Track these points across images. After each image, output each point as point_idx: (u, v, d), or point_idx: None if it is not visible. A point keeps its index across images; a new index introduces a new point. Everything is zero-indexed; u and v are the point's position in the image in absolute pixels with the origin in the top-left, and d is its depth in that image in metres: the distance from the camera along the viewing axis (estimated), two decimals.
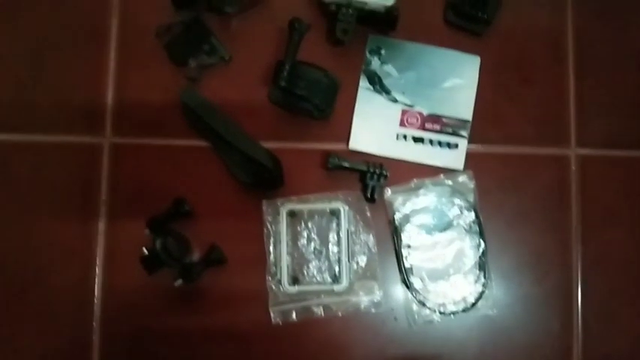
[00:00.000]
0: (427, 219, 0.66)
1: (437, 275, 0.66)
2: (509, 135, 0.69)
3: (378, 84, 0.68)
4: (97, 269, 0.66)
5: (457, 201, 0.67)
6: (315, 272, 0.65)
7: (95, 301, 0.66)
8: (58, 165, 0.67)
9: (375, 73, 0.68)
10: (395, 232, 0.66)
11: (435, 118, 0.68)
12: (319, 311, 0.65)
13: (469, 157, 0.68)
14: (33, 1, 0.68)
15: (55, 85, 0.68)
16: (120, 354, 0.66)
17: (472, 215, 0.67)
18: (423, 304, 0.65)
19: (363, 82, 0.68)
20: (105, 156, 0.67)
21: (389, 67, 0.69)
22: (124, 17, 0.68)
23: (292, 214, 0.66)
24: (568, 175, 0.69)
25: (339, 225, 0.66)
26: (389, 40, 0.69)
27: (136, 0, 0.68)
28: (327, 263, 0.66)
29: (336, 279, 0.65)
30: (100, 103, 0.67)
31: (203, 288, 0.65)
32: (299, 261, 0.66)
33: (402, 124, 0.68)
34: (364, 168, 0.66)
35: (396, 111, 0.68)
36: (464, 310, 0.66)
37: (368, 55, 0.69)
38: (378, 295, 0.65)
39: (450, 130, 0.68)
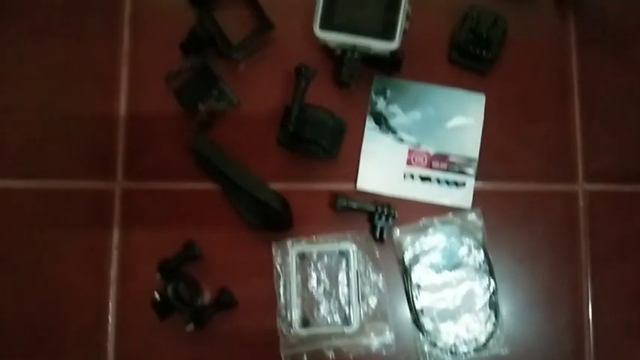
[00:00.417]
0: (437, 258, 0.67)
1: (447, 315, 0.66)
2: (517, 172, 0.69)
3: (384, 124, 0.69)
4: (110, 314, 0.67)
5: (466, 240, 0.67)
6: (325, 314, 0.66)
7: (108, 346, 0.66)
8: (71, 210, 0.68)
9: (381, 114, 0.69)
10: (405, 272, 0.66)
11: (441, 157, 0.68)
12: (330, 354, 0.65)
13: (477, 194, 0.68)
14: (46, 51, 0.70)
15: (67, 132, 0.69)
16: None
17: (481, 254, 0.67)
18: (434, 344, 0.65)
19: (370, 123, 0.69)
20: (117, 200, 0.68)
21: (395, 108, 0.69)
22: (134, 64, 0.70)
23: (302, 256, 0.66)
24: (576, 211, 0.69)
25: (348, 266, 0.66)
26: (394, 81, 0.70)
27: (146, 47, 0.70)
28: (337, 305, 0.66)
29: (346, 321, 0.66)
30: (112, 148, 0.69)
31: (214, 331, 0.66)
32: (309, 303, 0.66)
33: (409, 163, 0.68)
34: (372, 209, 0.66)
35: (402, 150, 0.69)
36: (475, 351, 0.65)
37: (373, 95, 0.70)
38: (389, 337, 0.65)
39: (456, 169, 0.68)
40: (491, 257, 0.67)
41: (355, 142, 0.69)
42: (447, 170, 0.68)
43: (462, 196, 0.68)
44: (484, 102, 0.69)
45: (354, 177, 0.68)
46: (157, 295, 0.64)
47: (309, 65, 0.63)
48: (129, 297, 0.67)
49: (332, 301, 0.66)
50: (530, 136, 0.70)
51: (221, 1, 0.69)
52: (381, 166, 0.68)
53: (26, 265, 0.67)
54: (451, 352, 0.65)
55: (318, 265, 0.67)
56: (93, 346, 0.67)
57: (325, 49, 0.67)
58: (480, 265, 0.67)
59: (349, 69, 0.66)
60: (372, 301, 0.66)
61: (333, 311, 0.66)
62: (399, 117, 0.69)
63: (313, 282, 0.66)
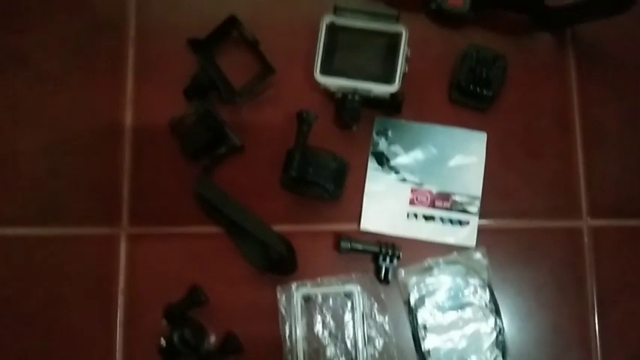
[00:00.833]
0: (442, 299, 0.66)
1: (455, 356, 0.65)
2: (520, 209, 0.69)
3: (386, 164, 0.69)
4: None
5: (471, 279, 0.66)
6: (331, 358, 0.65)
7: None
8: (78, 256, 0.68)
9: (383, 154, 0.70)
10: (410, 313, 0.66)
11: (444, 196, 0.69)
12: None
13: (481, 232, 0.68)
14: (51, 97, 0.71)
15: (73, 179, 0.70)
16: None
17: (487, 293, 0.66)
18: None
19: (372, 163, 0.70)
20: (122, 246, 0.68)
21: (396, 148, 0.70)
22: (139, 109, 0.71)
23: (307, 299, 0.66)
24: (581, 247, 0.69)
25: (353, 308, 0.66)
26: (395, 121, 0.70)
27: (150, 93, 0.71)
28: (343, 348, 0.65)
29: None
30: (117, 195, 0.69)
31: None
32: (315, 346, 0.66)
33: (412, 202, 0.69)
34: (376, 250, 0.66)
35: (405, 190, 0.69)
36: None
37: (375, 136, 0.70)
38: None
39: (460, 207, 0.68)
40: (497, 296, 0.67)
41: (358, 183, 0.69)
42: (451, 209, 0.69)
43: (466, 235, 0.68)
44: (485, 140, 0.70)
45: (357, 217, 0.69)
46: (162, 342, 0.64)
47: (310, 110, 0.64)
48: (135, 342, 0.67)
49: (338, 344, 0.66)
50: (532, 173, 0.70)
51: (223, 46, 0.70)
52: (385, 206, 0.69)
53: (32, 311, 0.68)
54: None
55: (324, 307, 0.66)
56: None
57: (326, 92, 0.68)
58: (486, 305, 0.66)
59: (350, 112, 0.67)
60: (379, 344, 0.65)
61: (340, 354, 0.65)
62: (401, 157, 0.70)
63: (319, 325, 0.66)
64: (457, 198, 0.69)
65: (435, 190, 0.69)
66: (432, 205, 0.69)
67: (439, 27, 0.72)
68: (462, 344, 0.66)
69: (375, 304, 0.66)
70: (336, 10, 0.64)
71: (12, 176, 0.70)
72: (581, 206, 0.70)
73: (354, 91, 0.65)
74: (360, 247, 0.66)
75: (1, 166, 0.70)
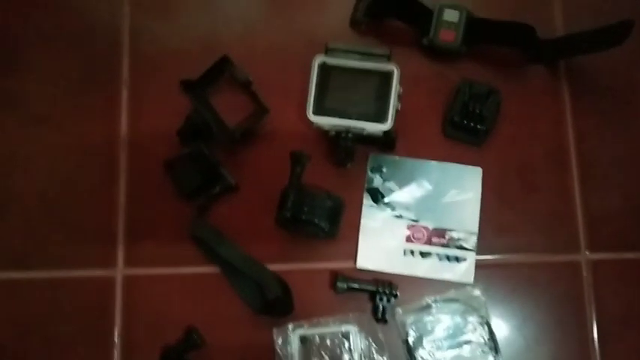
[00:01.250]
0: (441, 337, 0.65)
1: None
2: (518, 244, 0.69)
3: (381, 201, 0.69)
4: None
5: (470, 317, 0.66)
6: None
7: None
8: (73, 300, 0.68)
9: (378, 190, 0.69)
10: (409, 352, 0.65)
11: (441, 232, 0.68)
12: None
13: (478, 268, 0.68)
14: (46, 138, 0.71)
15: (68, 221, 0.70)
16: None
17: (486, 330, 0.65)
18: None
19: (367, 200, 0.69)
20: (118, 288, 0.68)
21: (391, 184, 0.70)
22: (133, 151, 0.71)
23: (303, 339, 0.66)
24: (580, 281, 0.68)
25: (351, 348, 0.65)
26: (389, 157, 0.70)
27: (144, 134, 0.71)
28: None
29: None
30: (112, 236, 0.69)
31: None
32: None
33: (408, 239, 0.68)
34: (373, 288, 0.66)
35: (401, 227, 0.69)
36: None
37: (370, 173, 0.70)
38: None
39: (457, 244, 0.68)
40: (496, 333, 0.66)
41: (354, 220, 0.69)
42: (447, 245, 0.68)
43: (463, 272, 0.68)
44: (481, 175, 0.70)
45: (353, 255, 0.68)
46: None
47: (303, 151, 0.64)
48: None
49: None
50: (529, 207, 0.70)
51: (216, 85, 0.71)
52: (381, 244, 0.68)
53: (27, 356, 0.67)
54: None
55: (321, 348, 0.65)
56: None
57: (320, 130, 0.68)
58: (485, 342, 0.65)
59: (344, 151, 0.67)
60: None
61: None
62: (396, 193, 0.70)
63: None
64: (454, 234, 0.68)
65: (431, 226, 0.69)
66: (429, 241, 0.68)
67: (432, 62, 0.72)
68: None
69: (373, 344, 0.66)
70: (328, 50, 0.64)
71: (8, 218, 0.70)
72: (580, 240, 0.69)
73: (348, 130, 0.65)
74: (356, 286, 0.66)
75: None
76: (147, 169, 0.70)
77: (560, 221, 0.70)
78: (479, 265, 0.68)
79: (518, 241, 0.69)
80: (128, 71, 0.72)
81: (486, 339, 0.66)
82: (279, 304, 0.65)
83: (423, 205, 0.69)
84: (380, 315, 0.66)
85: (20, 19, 0.74)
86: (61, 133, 0.71)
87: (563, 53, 0.72)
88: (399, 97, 0.65)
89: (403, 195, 0.70)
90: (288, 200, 0.63)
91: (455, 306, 0.66)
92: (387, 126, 0.65)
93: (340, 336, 0.66)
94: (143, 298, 0.68)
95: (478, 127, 0.69)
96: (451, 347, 0.66)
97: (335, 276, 0.67)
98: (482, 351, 0.65)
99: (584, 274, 0.68)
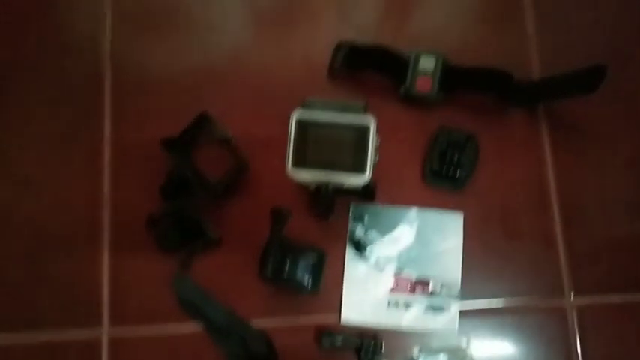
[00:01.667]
0: None
1: None
2: (502, 290, 0.69)
3: (364, 251, 0.69)
4: None
5: None
6: None
7: None
8: None
9: (360, 241, 0.69)
10: None
11: (424, 282, 0.68)
12: None
13: (463, 316, 0.68)
14: (30, 201, 0.71)
15: (53, 283, 0.70)
16: None
17: None
18: None
19: (350, 251, 0.69)
20: (104, 348, 0.68)
21: (373, 234, 0.70)
22: (115, 209, 0.71)
23: None
24: (566, 326, 0.68)
25: None
26: (371, 207, 0.70)
27: (126, 192, 0.71)
28: None
29: None
30: (97, 295, 0.69)
31: None
32: None
33: (392, 290, 0.68)
34: (358, 343, 0.65)
35: (384, 278, 0.69)
36: None
37: (352, 222, 0.70)
38: None
39: (440, 292, 0.68)
40: None
41: (337, 272, 0.69)
42: (431, 294, 0.68)
43: (448, 320, 0.67)
44: (462, 220, 0.70)
45: (338, 308, 0.68)
46: None
47: (283, 207, 0.64)
48: None
49: None
50: (512, 252, 0.70)
51: (197, 141, 0.71)
52: (365, 296, 0.68)
53: None
54: None
55: None
56: None
57: (300, 184, 0.69)
58: None
59: (325, 203, 0.67)
60: None
61: None
62: (378, 243, 0.70)
63: None
64: (437, 283, 0.68)
65: (414, 275, 0.69)
66: (413, 291, 0.68)
67: (409, 110, 0.73)
68: None
69: None
70: (305, 105, 0.65)
71: None
72: (564, 283, 0.69)
73: (327, 184, 0.66)
74: (340, 341, 0.65)
75: None
76: (130, 227, 0.70)
77: (543, 266, 0.69)
78: (463, 313, 0.68)
79: (502, 286, 0.69)
80: (110, 129, 0.73)
81: None
82: None
83: (406, 254, 0.69)
84: None
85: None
86: (44, 193, 0.72)
87: (539, 98, 0.72)
88: (377, 149, 0.66)
89: (386, 245, 0.70)
90: (269, 259, 0.63)
91: (440, 356, 0.66)
92: (365, 179, 0.65)
93: None
94: (128, 357, 0.68)
95: (457, 174, 0.70)
96: None
97: (320, 331, 0.67)
98: None
99: (570, 318, 0.68)
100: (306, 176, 0.67)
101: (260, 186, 0.71)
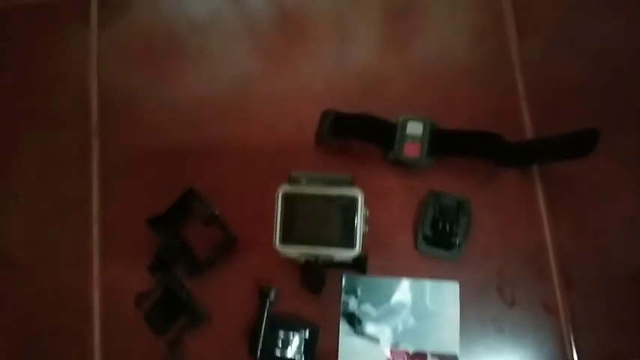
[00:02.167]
0: None
1: None
2: None
3: (358, 325, 0.67)
4: None
5: None
6: None
7: None
8: None
9: (354, 315, 0.67)
10: None
11: (421, 356, 0.65)
12: None
13: None
14: (22, 283, 0.71)
15: (46, 355, 0.69)
16: None
17: None
18: None
19: (343, 326, 0.67)
20: None
21: (367, 307, 0.68)
22: (105, 289, 0.70)
23: None
24: None
25: None
26: (364, 278, 0.68)
27: (116, 271, 0.70)
28: None
29: None
30: None
31: None
32: None
33: None
34: None
35: (380, 352, 0.66)
36: None
37: (344, 295, 0.68)
38: None
39: None
40: None
41: (331, 347, 0.67)
42: None
43: None
44: (458, 290, 0.67)
45: None
46: None
47: (270, 286, 0.63)
48: None
49: None
50: (511, 321, 0.67)
51: (183, 219, 0.70)
52: None
53: None
54: None
55: None
56: None
57: (290, 259, 0.67)
58: None
59: (315, 277, 0.65)
60: None
61: None
62: (372, 316, 0.67)
63: None
64: (434, 357, 0.65)
65: (411, 349, 0.66)
66: None
67: (399, 176, 0.71)
68: None
69: None
70: (291, 180, 0.64)
71: None
72: (567, 353, 0.66)
73: (317, 258, 0.64)
74: None
75: None
76: (120, 306, 0.69)
77: (545, 336, 0.66)
78: None
79: (501, 358, 0.66)
80: (98, 207, 0.73)
81: None
82: None
83: (402, 326, 0.67)
84: None
85: None
86: (34, 276, 0.71)
87: (532, 161, 0.71)
88: (366, 220, 0.64)
89: (380, 317, 0.67)
90: (258, 340, 0.62)
91: None
92: (355, 252, 0.63)
93: None
94: None
95: (451, 240, 0.68)
96: None
97: None
98: None
99: None
100: (295, 252, 0.66)
101: (250, 260, 0.70)
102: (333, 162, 0.72)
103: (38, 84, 0.77)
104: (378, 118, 0.70)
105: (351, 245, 0.63)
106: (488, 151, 0.70)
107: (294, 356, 0.63)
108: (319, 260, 0.65)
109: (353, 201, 0.64)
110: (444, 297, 0.68)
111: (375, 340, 0.67)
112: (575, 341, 0.66)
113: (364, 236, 0.64)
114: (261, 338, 0.62)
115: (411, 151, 0.70)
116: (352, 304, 0.68)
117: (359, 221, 0.64)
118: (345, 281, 0.69)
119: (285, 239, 0.65)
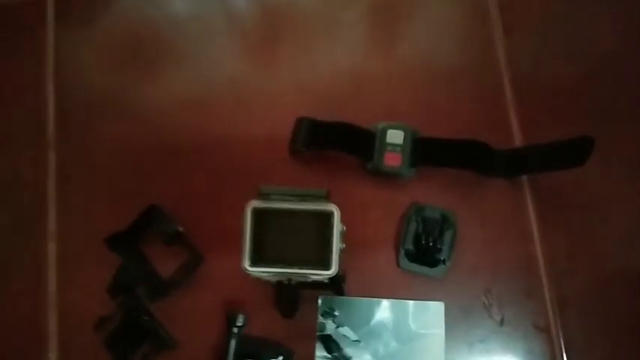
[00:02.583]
0: None
1: None
2: None
3: (336, 350, 0.62)
4: None
5: None
6: None
7: None
8: None
9: (332, 339, 0.62)
10: None
11: None
12: None
13: None
14: None
15: None
16: None
17: None
18: None
19: (320, 350, 0.62)
20: None
21: (346, 330, 0.63)
22: (62, 314, 0.64)
23: None
24: None
25: None
26: (342, 299, 0.64)
27: (73, 294, 0.64)
28: None
29: None
30: None
31: None
32: None
33: None
34: None
35: None
36: None
37: (321, 318, 0.63)
38: None
39: None
40: None
41: None
42: None
43: None
44: (443, 310, 0.63)
45: None
46: None
47: (238, 311, 0.58)
48: None
49: None
50: (500, 343, 0.62)
51: (145, 237, 0.65)
52: None
53: None
54: None
55: None
56: None
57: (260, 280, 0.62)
58: None
59: (288, 300, 0.61)
60: None
61: None
62: (351, 340, 0.62)
63: None
64: None
65: None
66: None
67: (379, 187, 0.66)
68: None
69: None
70: (261, 194, 0.59)
71: None
72: None
73: (289, 279, 0.59)
74: None
75: None
76: (78, 333, 0.64)
77: (536, 357, 0.62)
78: None
79: None
80: (55, 223, 0.67)
81: None
82: None
83: (383, 350, 0.62)
84: None
85: None
86: None
87: (521, 171, 0.66)
88: (343, 237, 0.60)
89: (360, 341, 0.62)
90: None
91: None
92: (331, 272, 0.58)
93: None
94: None
95: (435, 256, 0.63)
96: None
97: None
98: None
99: None
100: (266, 272, 0.60)
101: (218, 279, 0.64)
102: (308, 174, 0.67)
103: None
104: (355, 126, 0.65)
105: (327, 265, 0.58)
106: (474, 161, 0.65)
107: None
108: (292, 281, 0.60)
109: (328, 217, 0.59)
110: (428, 317, 0.63)
111: None
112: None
113: (341, 254, 0.59)
114: None
115: (392, 160, 0.65)
116: (329, 326, 0.63)
117: (335, 239, 0.58)
118: (322, 302, 0.64)
119: (256, 260, 0.60)
